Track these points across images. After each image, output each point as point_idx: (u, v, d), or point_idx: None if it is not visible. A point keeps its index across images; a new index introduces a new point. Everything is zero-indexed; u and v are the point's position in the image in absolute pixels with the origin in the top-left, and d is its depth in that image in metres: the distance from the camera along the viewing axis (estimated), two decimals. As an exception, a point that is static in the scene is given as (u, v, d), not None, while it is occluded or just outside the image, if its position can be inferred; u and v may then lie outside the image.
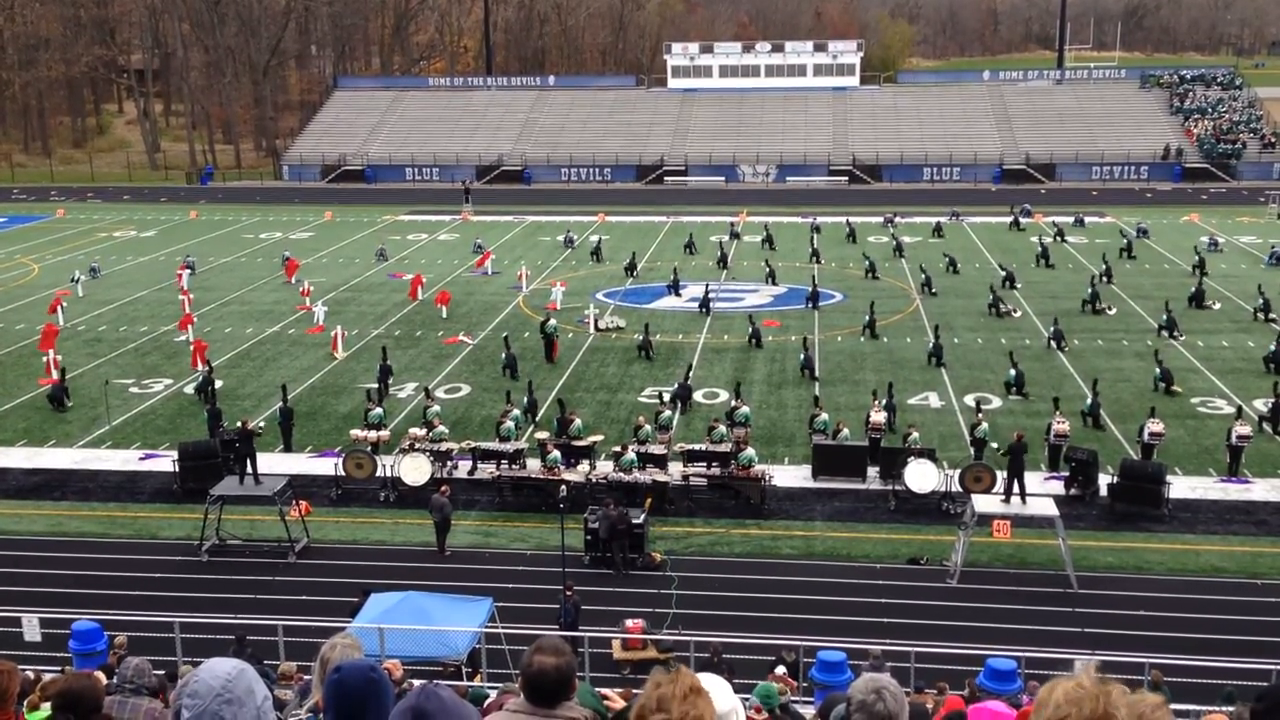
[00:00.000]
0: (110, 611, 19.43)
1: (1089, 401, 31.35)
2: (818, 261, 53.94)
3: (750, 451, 27.06)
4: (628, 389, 35.16)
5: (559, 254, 57.62)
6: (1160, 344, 38.27)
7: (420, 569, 23.23)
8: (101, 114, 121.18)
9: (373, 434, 29.19)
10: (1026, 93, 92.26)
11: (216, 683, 3.74)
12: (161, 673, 13.92)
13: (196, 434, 30.29)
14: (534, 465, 27.53)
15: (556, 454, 27.01)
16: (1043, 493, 25.30)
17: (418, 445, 27.75)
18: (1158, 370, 34.24)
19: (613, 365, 37.75)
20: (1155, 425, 28.16)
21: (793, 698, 14.21)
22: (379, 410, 30.18)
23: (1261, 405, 31.55)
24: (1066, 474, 26.99)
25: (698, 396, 33.97)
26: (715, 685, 4.00)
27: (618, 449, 27.28)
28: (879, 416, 29.04)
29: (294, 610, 20.99)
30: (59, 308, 43.98)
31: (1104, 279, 47.68)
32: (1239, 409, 30.12)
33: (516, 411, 30.23)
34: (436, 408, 30.75)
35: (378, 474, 27.35)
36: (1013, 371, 34.21)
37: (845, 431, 28.69)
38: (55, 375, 35.17)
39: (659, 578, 22.91)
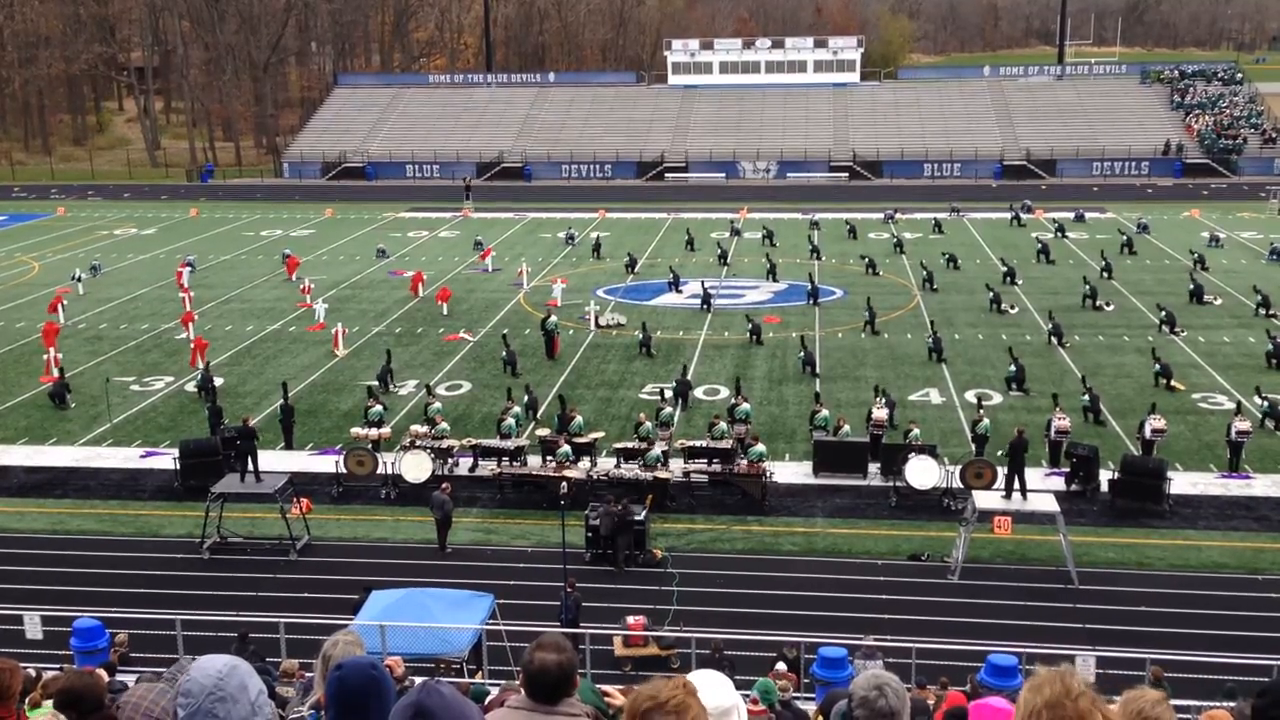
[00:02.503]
0: (112, 609, 19.49)
1: (1086, 397, 31.37)
2: (818, 258, 53.93)
3: (760, 447, 27.18)
4: (628, 386, 35.16)
5: (560, 251, 57.63)
6: (1160, 340, 38.28)
7: (421, 566, 23.24)
8: (102, 111, 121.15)
9: (373, 431, 29.20)
10: (1027, 88, 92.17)
11: (208, 681, 3.74)
12: (163, 670, 13.94)
13: (197, 432, 30.30)
14: (534, 462, 27.56)
15: (567, 449, 27.04)
16: (1044, 489, 25.32)
17: (419, 443, 27.76)
18: (1157, 366, 34.26)
19: (613, 362, 37.75)
20: (1157, 422, 28.14)
21: (794, 694, 14.22)
22: (379, 408, 30.19)
23: (1260, 400, 31.52)
24: (1067, 470, 27.00)
25: (698, 393, 33.97)
26: (716, 682, 4.00)
27: (643, 445, 27.22)
28: (881, 413, 29.03)
29: (295, 608, 21.02)
30: (60, 306, 43.99)
31: (1104, 275, 47.69)
32: (1239, 404, 30.13)
33: (517, 408, 30.25)
34: (438, 405, 30.76)
35: (379, 471, 27.36)
36: (1013, 367, 34.22)
37: (846, 428, 28.71)
38: (56, 373, 35.19)
39: (660, 574, 22.92)
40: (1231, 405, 30.99)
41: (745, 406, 30.44)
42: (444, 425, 29.13)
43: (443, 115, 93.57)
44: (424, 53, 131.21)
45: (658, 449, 26.85)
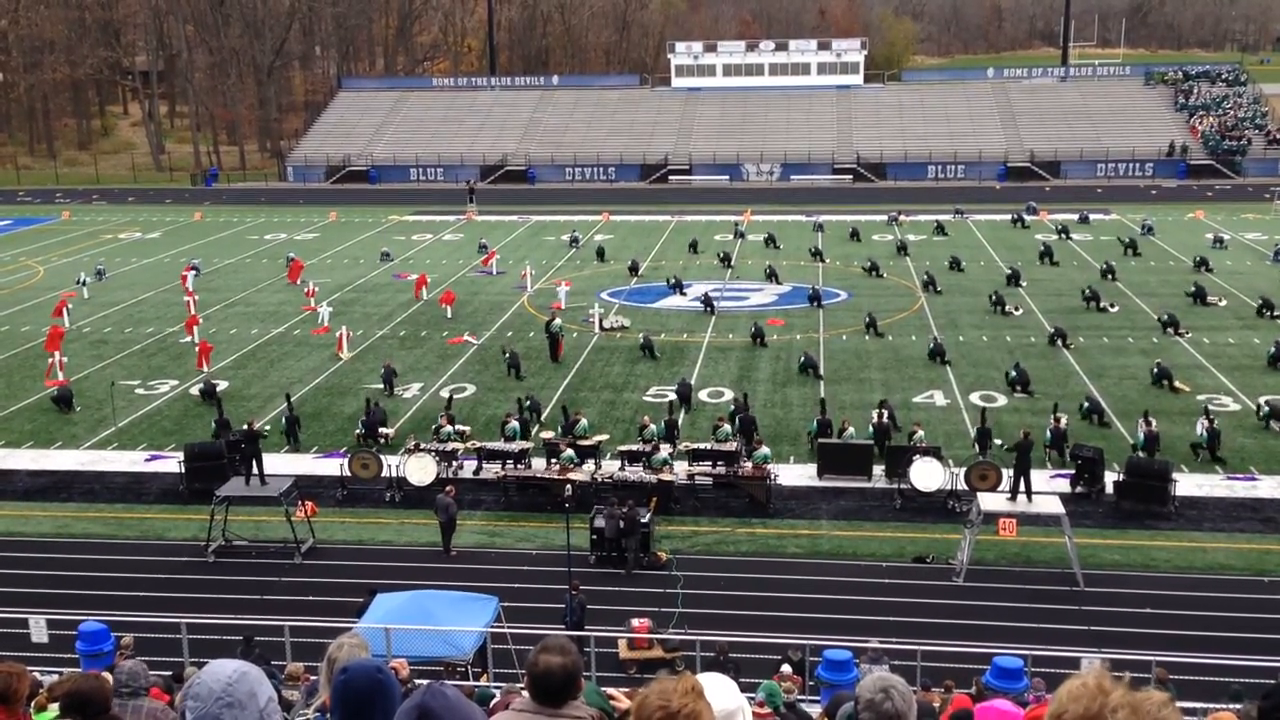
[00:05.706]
0: (117, 612, 19.50)
1: (1088, 403, 31.38)
2: (821, 260, 53.91)
3: (764, 450, 27.25)
4: (632, 388, 35.16)
5: (564, 253, 57.65)
6: (1165, 341, 38.25)
7: (426, 569, 23.24)
8: (106, 116, 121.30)
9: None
10: (1031, 90, 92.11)
11: (218, 686, 3.74)
12: (168, 673, 13.96)
13: (202, 435, 30.35)
14: (539, 465, 27.57)
15: (570, 452, 27.04)
16: (1049, 490, 25.29)
17: (423, 445, 27.81)
18: (1156, 369, 34.30)
19: (617, 365, 37.75)
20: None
21: (799, 696, 14.21)
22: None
23: (1263, 404, 31.49)
24: (1073, 472, 26.97)
25: (702, 395, 33.95)
26: (721, 684, 4.00)
27: (647, 448, 27.27)
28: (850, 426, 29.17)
29: (300, 611, 21.03)
30: (64, 310, 44.07)
31: (1108, 276, 47.62)
32: (1205, 410, 30.18)
33: (515, 422, 30.28)
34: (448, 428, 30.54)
35: (383, 474, 27.39)
36: (1013, 371, 34.21)
37: (850, 430, 28.69)
38: (61, 377, 35.24)
39: (665, 577, 22.92)
40: (1236, 406, 30.98)
41: (733, 408, 30.21)
42: (448, 429, 29.18)
43: (446, 118, 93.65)
44: (427, 56, 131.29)
45: (663, 452, 26.87)
